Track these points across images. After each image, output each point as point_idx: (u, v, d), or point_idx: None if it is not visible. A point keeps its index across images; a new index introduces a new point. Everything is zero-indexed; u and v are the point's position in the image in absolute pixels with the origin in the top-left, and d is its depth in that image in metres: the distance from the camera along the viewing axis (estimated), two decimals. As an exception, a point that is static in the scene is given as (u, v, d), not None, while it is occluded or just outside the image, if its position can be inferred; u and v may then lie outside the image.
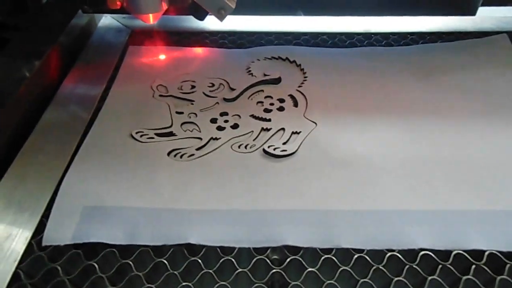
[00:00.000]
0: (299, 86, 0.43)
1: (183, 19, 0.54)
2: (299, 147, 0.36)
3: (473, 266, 0.27)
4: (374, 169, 0.34)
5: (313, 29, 0.53)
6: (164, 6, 0.43)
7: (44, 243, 0.28)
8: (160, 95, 0.42)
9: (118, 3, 0.41)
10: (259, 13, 0.54)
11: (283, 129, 0.38)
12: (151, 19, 0.44)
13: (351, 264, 0.28)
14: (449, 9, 0.53)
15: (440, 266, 0.27)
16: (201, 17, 0.43)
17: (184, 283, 0.27)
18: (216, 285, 0.26)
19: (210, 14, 0.42)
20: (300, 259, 0.28)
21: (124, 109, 0.40)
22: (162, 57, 0.48)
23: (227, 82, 0.44)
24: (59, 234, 0.28)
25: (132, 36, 0.52)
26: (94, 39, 0.52)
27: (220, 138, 0.37)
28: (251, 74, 0.45)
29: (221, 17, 0.41)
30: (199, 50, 0.49)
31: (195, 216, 0.30)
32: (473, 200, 0.32)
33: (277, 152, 0.35)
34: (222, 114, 0.40)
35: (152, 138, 0.37)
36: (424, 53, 0.48)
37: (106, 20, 0.55)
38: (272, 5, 0.53)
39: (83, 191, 0.32)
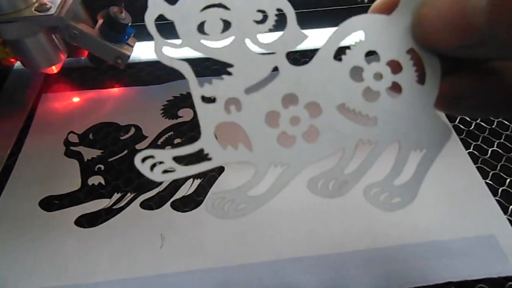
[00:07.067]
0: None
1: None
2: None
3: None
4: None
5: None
6: (63, 56, 0.42)
7: None
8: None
9: (12, 60, 0.40)
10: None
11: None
12: (54, 69, 0.43)
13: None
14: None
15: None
16: (98, 65, 0.43)
17: None
18: None
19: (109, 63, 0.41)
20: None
21: (34, 172, 0.39)
22: (76, 100, 0.47)
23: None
24: None
25: (47, 78, 0.50)
26: (8, 85, 0.50)
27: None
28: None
29: (120, 65, 0.40)
30: (114, 90, 0.48)
31: None
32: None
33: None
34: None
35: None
36: None
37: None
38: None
39: None
